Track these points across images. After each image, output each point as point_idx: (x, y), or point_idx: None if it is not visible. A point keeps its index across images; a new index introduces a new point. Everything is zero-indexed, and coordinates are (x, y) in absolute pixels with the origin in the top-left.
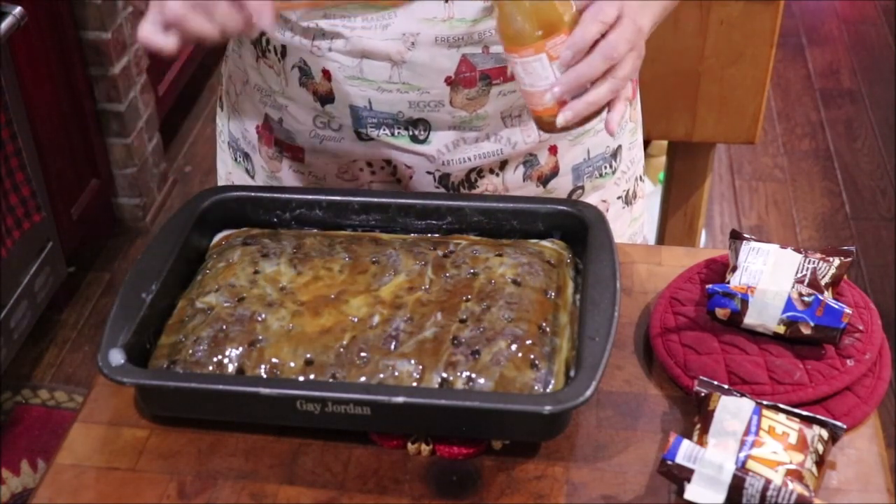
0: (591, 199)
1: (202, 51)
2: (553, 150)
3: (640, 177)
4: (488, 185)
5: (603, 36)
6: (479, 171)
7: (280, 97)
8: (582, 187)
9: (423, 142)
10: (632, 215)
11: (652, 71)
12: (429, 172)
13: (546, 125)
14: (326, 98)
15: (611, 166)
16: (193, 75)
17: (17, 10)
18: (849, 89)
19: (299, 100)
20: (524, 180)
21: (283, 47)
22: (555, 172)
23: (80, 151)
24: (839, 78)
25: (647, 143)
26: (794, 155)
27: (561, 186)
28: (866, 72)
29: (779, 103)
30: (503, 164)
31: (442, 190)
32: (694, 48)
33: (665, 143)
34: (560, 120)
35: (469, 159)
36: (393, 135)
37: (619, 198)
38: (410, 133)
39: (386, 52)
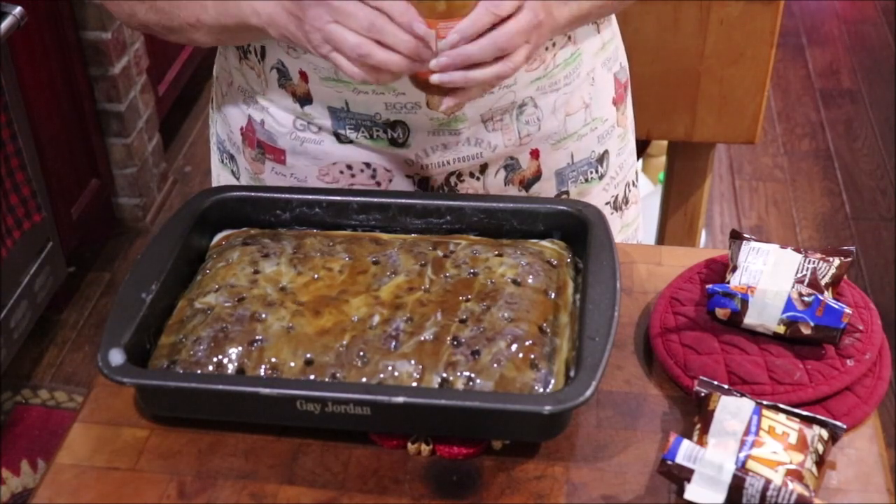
0: None
1: (202, 51)
2: (535, 153)
3: (633, 182)
4: (468, 188)
5: (497, 25)
6: (459, 175)
7: (261, 98)
8: (567, 192)
9: (401, 145)
10: (622, 221)
11: (652, 71)
12: (408, 176)
13: (419, 83)
14: (305, 99)
15: (597, 171)
16: (193, 75)
17: (17, 10)
18: (849, 89)
19: (279, 101)
20: (506, 184)
21: (263, 48)
22: (537, 177)
23: (80, 151)
24: (839, 78)
25: (647, 143)
26: (794, 155)
27: (544, 191)
28: (866, 72)
29: (779, 103)
30: (483, 168)
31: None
32: (694, 48)
33: (665, 143)
34: (434, 77)
35: (448, 162)
36: (372, 137)
37: (607, 203)
38: (389, 136)
39: None
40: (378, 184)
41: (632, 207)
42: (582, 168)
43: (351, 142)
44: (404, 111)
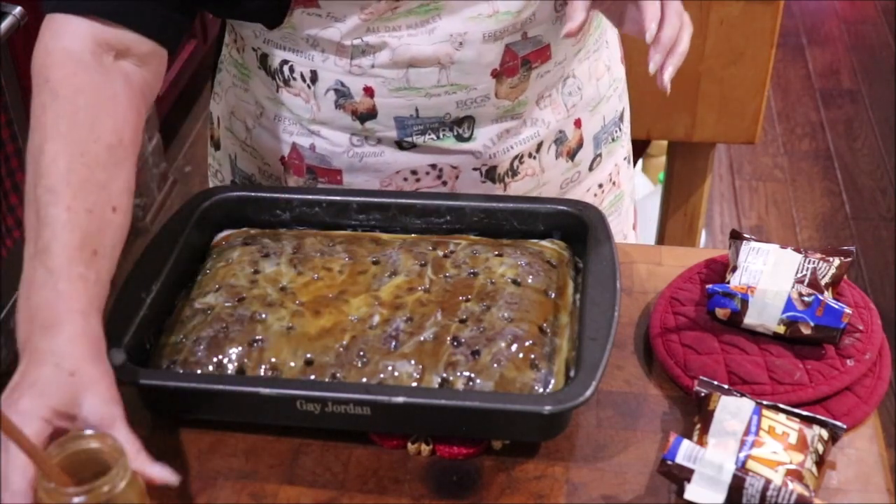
0: (608, 164)
1: (202, 51)
2: (577, 122)
3: (628, 133)
4: (528, 169)
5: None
6: (521, 158)
7: (310, 124)
8: (600, 155)
9: (467, 139)
10: (629, 173)
11: None
12: (475, 169)
13: None
14: (367, 115)
15: (620, 129)
16: (193, 75)
17: (17, 10)
18: (849, 89)
19: (334, 122)
20: (556, 158)
21: (313, 73)
22: (580, 145)
23: None
24: (839, 78)
25: (647, 143)
26: (794, 155)
27: (585, 158)
28: (866, 72)
29: (779, 103)
30: (539, 147)
31: (488, 182)
32: (694, 48)
33: (665, 143)
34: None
35: (512, 147)
36: (438, 138)
37: (624, 158)
38: (455, 133)
39: (434, 56)
40: (444, 183)
41: (630, 158)
42: (610, 128)
43: (414, 146)
44: (474, 106)
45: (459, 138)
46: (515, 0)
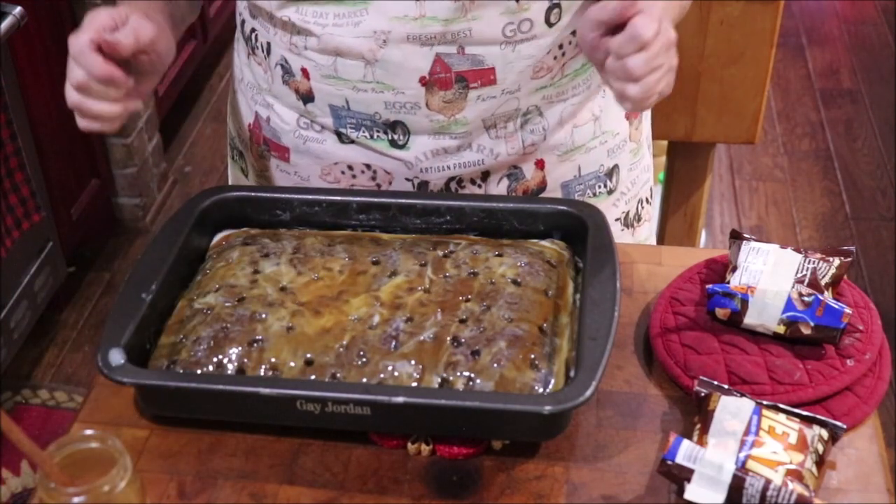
0: None
1: (202, 50)
2: (540, 164)
3: (646, 199)
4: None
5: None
6: (460, 181)
7: (268, 95)
8: None
9: (402, 147)
10: (634, 239)
11: None
12: (407, 179)
13: None
14: (307, 97)
15: (605, 186)
16: (193, 75)
17: (17, 10)
18: (849, 89)
19: (284, 98)
20: (509, 194)
21: (269, 44)
22: (542, 188)
23: (80, 151)
24: (839, 78)
25: None
26: (794, 155)
27: None
28: (866, 72)
29: (779, 103)
30: (485, 175)
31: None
32: (694, 48)
33: (665, 143)
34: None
35: (448, 168)
36: (372, 137)
37: (617, 220)
38: (389, 137)
39: (358, 50)
40: (378, 186)
41: (644, 225)
42: (590, 181)
43: (352, 142)
44: (403, 111)
45: (394, 144)
46: (443, 8)
